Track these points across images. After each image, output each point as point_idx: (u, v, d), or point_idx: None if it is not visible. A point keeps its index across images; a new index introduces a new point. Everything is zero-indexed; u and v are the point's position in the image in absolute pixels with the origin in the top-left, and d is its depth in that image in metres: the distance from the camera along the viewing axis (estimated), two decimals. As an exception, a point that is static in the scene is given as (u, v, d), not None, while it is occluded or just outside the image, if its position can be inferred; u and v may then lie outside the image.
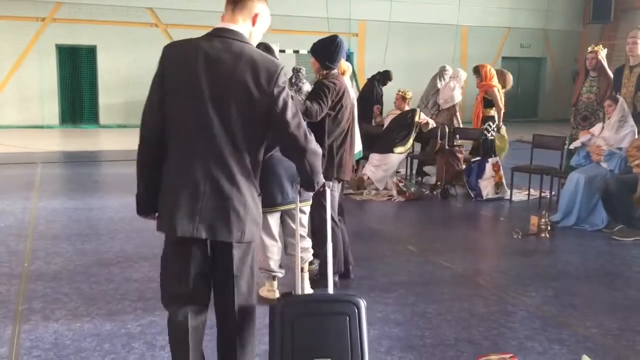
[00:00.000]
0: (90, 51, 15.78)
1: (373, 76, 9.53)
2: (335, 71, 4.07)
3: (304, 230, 3.83)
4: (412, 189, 7.46)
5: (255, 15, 2.35)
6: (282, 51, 14.09)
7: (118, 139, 13.47)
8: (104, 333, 3.41)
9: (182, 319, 2.40)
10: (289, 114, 2.29)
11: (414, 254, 5.17)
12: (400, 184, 7.47)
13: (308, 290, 3.89)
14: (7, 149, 11.43)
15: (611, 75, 7.25)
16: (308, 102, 3.81)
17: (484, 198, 7.30)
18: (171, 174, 2.33)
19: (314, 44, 4.08)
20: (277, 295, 3.78)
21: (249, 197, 2.33)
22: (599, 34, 18.90)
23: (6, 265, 4.58)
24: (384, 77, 9.44)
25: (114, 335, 3.38)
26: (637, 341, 3.43)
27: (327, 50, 3.98)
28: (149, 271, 4.46)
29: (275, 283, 3.92)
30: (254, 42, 2.40)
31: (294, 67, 4.59)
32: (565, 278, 4.58)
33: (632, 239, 5.55)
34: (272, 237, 3.75)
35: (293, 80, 4.38)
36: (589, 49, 7.65)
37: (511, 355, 3.19)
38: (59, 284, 4.19)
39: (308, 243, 3.93)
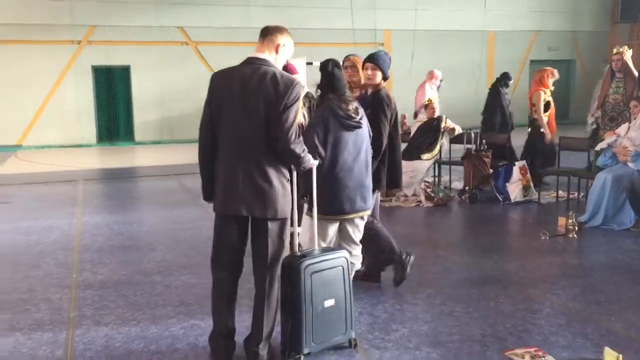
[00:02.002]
0: (125, 71, 16.28)
1: (494, 84, 9.03)
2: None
3: (359, 238, 3.93)
4: (440, 195, 7.60)
5: (277, 46, 3.12)
6: (309, 63, 14.26)
7: (153, 154, 13.89)
8: (150, 336, 3.65)
9: (223, 276, 3.17)
10: (289, 116, 2.96)
11: (442, 256, 5.31)
12: (428, 190, 7.60)
13: None
14: (50, 168, 11.89)
15: (637, 75, 7.30)
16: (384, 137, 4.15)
17: (512, 201, 7.39)
18: (220, 169, 3.10)
19: (374, 55, 4.29)
20: None
21: (278, 183, 3.07)
22: (628, 34, 18.71)
23: (56, 276, 4.88)
24: (505, 79, 8.97)
25: (159, 338, 3.62)
26: (660, 334, 3.53)
27: (388, 63, 4.27)
28: (188, 279, 4.71)
29: None
30: (279, 66, 3.13)
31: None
32: (592, 276, 4.67)
33: (660, 237, 5.60)
34: (326, 243, 3.87)
35: None
36: (615, 50, 7.72)
37: (536, 348, 3.33)
38: (106, 292, 4.47)
39: (359, 251, 4.00)
